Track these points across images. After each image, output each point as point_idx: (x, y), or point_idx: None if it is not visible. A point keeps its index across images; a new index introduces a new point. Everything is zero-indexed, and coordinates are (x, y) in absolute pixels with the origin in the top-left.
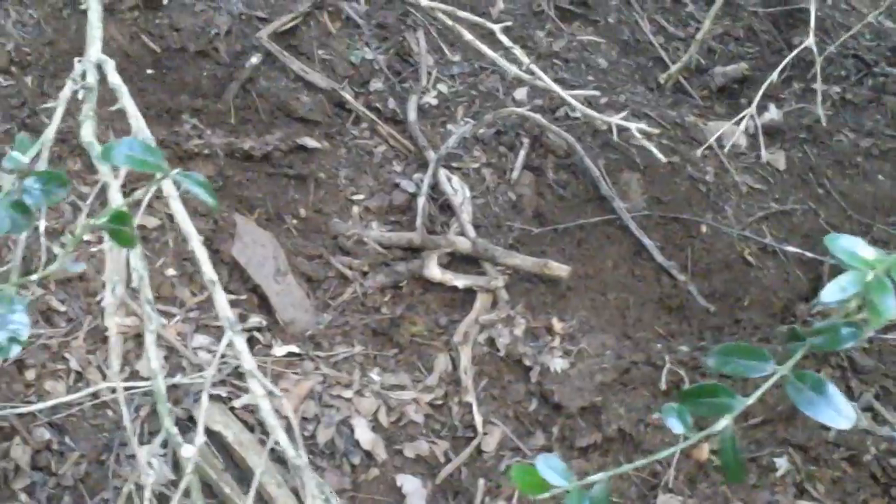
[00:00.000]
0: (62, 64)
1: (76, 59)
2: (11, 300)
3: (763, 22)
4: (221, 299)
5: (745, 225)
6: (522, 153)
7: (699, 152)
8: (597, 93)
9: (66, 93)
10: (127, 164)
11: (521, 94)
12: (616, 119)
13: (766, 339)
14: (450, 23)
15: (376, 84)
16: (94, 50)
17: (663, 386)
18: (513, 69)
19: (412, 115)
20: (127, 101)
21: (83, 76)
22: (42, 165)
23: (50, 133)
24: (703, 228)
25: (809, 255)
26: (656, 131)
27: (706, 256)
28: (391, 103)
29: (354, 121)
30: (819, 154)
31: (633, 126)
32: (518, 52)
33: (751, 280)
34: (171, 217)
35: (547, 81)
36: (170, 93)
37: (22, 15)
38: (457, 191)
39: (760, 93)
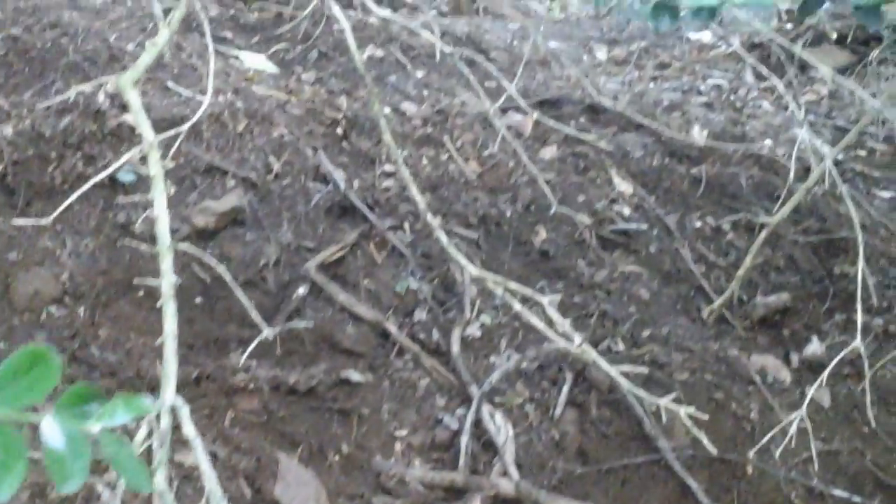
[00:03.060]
0: (115, 293)
1: (153, 400)
2: None
3: (804, 251)
4: None
5: (792, 466)
6: (566, 389)
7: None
8: (644, 370)
9: (138, 438)
10: None
11: (565, 326)
12: (665, 401)
13: None
14: (500, 292)
15: (420, 314)
16: (170, 392)
17: None
18: (563, 343)
19: (455, 347)
20: (200, 456)
21: (157, 418)
22: None
23: None
24: (749, 470)
25: (857, 499)
26: (705, 416)
27: (753, 500)
28: (435, 334)
29: (398, 352)
30: (863, 390)
31: (682, 410)
32: (568, 328)
33: None
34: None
35: (598, 360)
36: (218, 322)
37: (77, 244)
38: (500, 428)
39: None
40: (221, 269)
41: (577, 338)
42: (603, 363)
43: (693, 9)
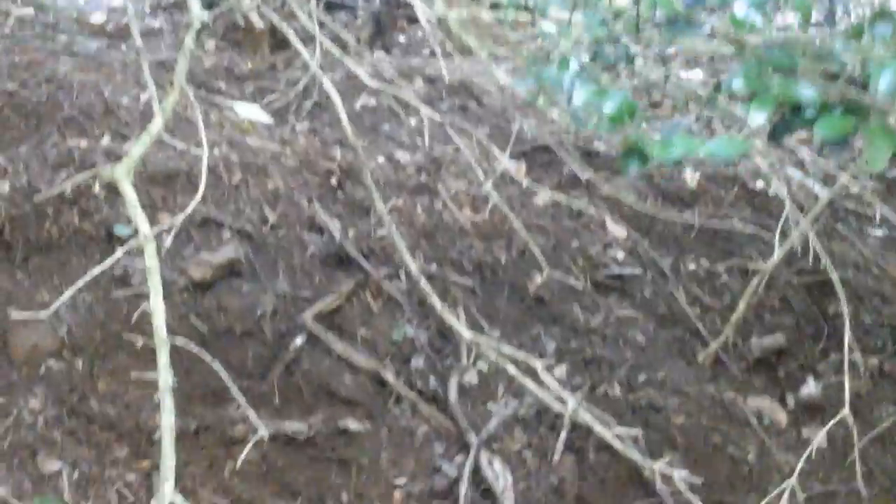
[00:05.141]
0: (113, 346)
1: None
2: None
3: (798, 291)
4: None
5: None
6: (563, 435)
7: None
8: (638, 431)
9: None
10: None
11: (560, 371)
12: (659, 465)
13: None
14: (493, 357)
15: (417, 362)
16: (168, 487)
17: None
18: (558, 408)
19: (453, 394)
20: None
21: None
22: None
23: None
24: None
25: None
26: (699, 480)
27: None
28: (432, 382)
29: (396, 400)
30: (860, 430)
31: (676, 474)
32: (565, 394)
33: None
34: None
35: (593, 423)
36: (216, 374)
37: (75, 298)
38: (498, 475)
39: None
40: None
41: (572, 401)
42: (598, 426)
43: (661, 158)
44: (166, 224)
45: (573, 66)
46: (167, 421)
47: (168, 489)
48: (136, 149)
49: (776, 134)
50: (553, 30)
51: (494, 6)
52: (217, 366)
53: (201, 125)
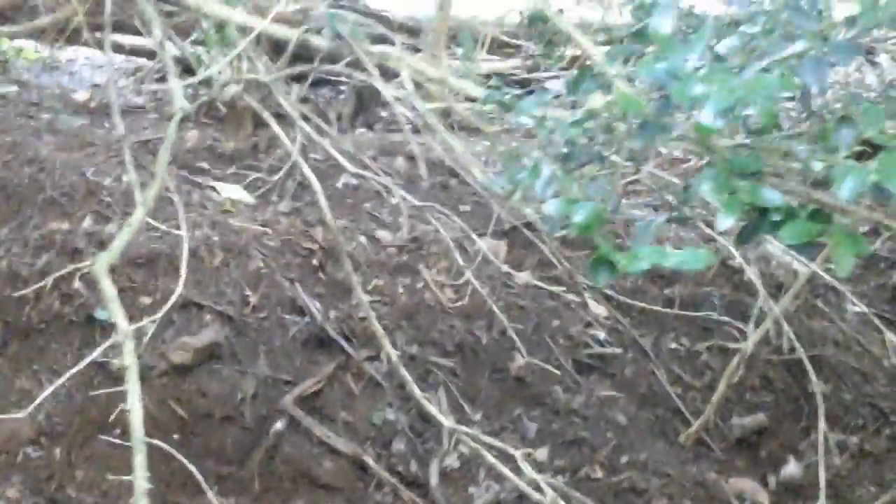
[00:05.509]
0: (91, 433)
1: None
2: None
3: (777, 370)
4: None
5: None
6: None
7: None
8: None
9: None
10: None
11: (543, 454)
12: None
13: None
14: (473, 445)
15: (398, 445)
16: None
17: None
18: (539, 497)
19: (434, 479)
20: None
21: None
22: None
23: None
24: None
25: None
26: None
27: None
28: (413, 466)
29: (377, 485)
30: None
31: None
32: (542, 483)
33: None
34: None
35: None
36: (195, 459)
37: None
38: None
39: None
40: None
41: (551, 494)
42: None
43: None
44: (146, 320)
45: (545, 172)
46: None
47: None
48: (117, 243)
49: (744, 237)
50: (529, 123)
51: (471, 100)
52: (188, 464)
53: (181, 208)
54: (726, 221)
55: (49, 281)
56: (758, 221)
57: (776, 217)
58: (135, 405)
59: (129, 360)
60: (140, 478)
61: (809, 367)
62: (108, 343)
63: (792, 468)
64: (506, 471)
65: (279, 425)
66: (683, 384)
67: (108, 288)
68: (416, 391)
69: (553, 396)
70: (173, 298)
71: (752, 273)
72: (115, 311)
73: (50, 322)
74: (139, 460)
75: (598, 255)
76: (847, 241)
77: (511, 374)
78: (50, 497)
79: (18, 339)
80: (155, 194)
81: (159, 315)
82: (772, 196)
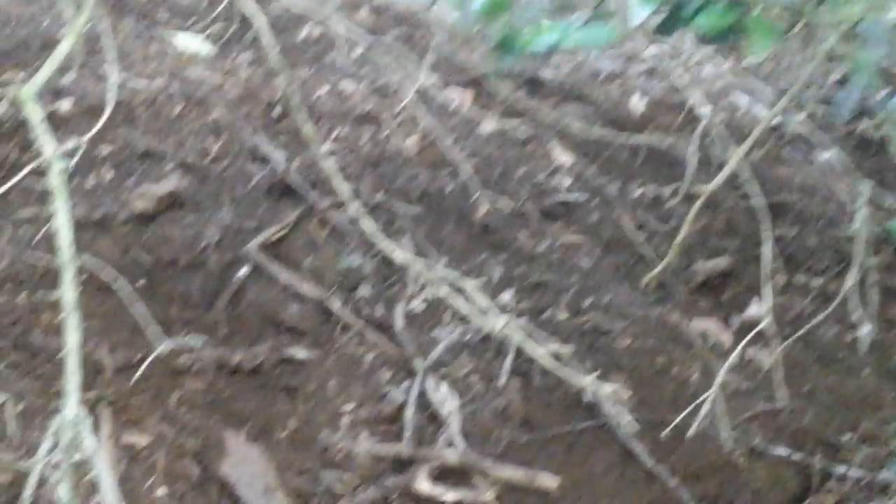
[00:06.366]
0: (55, 278)
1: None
2: None
3: (743, 216)
4: None
5: (733, 426)
6: (509, 359)
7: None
8: (571, 348)
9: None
10: None
11: (507, 296)
12: (588, 380)
13: None
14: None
15: (364, 291)
16: (71, 406)
17: None
18: (489, 325)
19: (400, 322)
20: (103, 473)
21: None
22: None
23: None
24: (692, 431)
25: (797, 457)
26: (627, 394)
27: (696, 461)
28: (379, 310)
29: (343, 329)
30: (803, 350)
31: (607, 387)
32: (495, 310)
33: (742, 483)
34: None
35: (525, 342)
36: (161, 305)
37: (16, 232)
38: (445, 400)
39: None
40: None
41: (501, 321)
42: (530, 344)
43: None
44: (74, 141)
45: None
46: (73, 340)
47: (71, 407)
48: (43, 70)
49: (663, 28)
50: None
51: None
52: (140, 306)
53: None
54: (642, 13)
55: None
56: (675, 13)
57: (693, 7)
58: (63, 225)
59: (55, 181)
60: (69, 294)
61: (765, 211)
62: (35, 163)
63: (755, 309)
64: (459, 302)
65: (244, 271)
66: (648, 231)
67: (35, 112)
68: (379, 236)
69: (518, 243)
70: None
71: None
72: (41, 134)
73: (8, 172)
74: (68, 277)
75: (502, 37)
76: (763, 29)
77: (476, 221)
78: (15, 341)
79: None
80: (83, 23)
81: (86, 138)
82: None
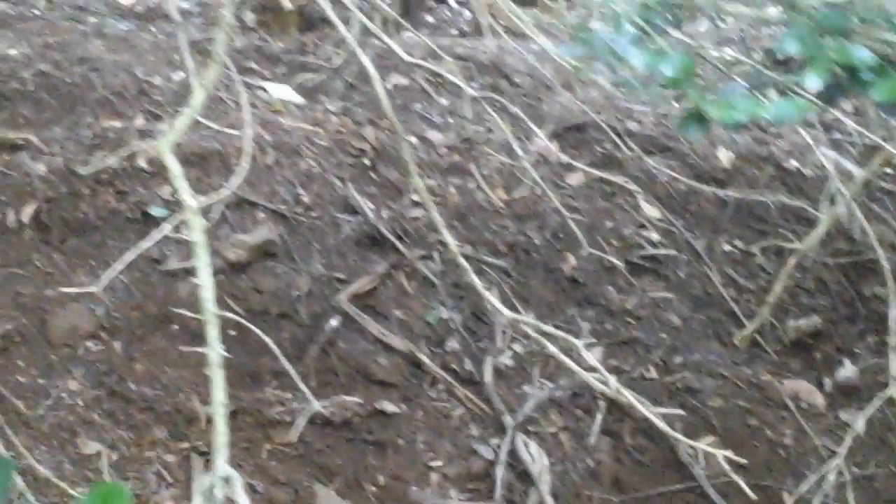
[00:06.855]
0: (150, 327)
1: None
2: None
3: (833, 273)
4: None
5: (827, 492)
6: (599, 417)
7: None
8: (679, 412)
9: None
10: None
11: (596, 353)
12: (703, 445)
13: None
14: (533, 334)
15: (452, 344)
16: (222, 461)
17: None
18: (600, 387)
19: (488, 377)
20: None
21: (210, 491)
22: None
23: None
24: (785, 496)
25: None
26: (742, 461)
27: None
28: (467, 364)
29: (431, 382)
30: None
31: (720, 453)
32: (604, 372)
33: None
34: None
35: (635, 403)
36: (252, 355)
37: (112, 279)
38: (535, 458)
39: None
40: None
41: (612, 381)
42: (640, 406)
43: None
44: (212, 197)
45: (629, 29)
46: (218, 396)
47: (221, 464)
48: (181, 121)
49: (829, 97)
50: None
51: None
52: (266, 339)
53: (245, 102)
54: (815, 81)
55: (109, 162)
56: (846, 81)
57: (866, 76)
58: (205, 279)
59: (196, 235)
60: (214, 350)
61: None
62: (174, 220)
63: (847, 371)
64: (566, 360)
65: (334, 322)
66: (738, 287)
67: (173, 164)
68: (475, 280)
69: (607, 297)
70: (233, 187)
71: (824, 159)
72: (181, 188)
73: (106, 219)
74: (212, 333)
75: (689, 109)
76: None
77: (564, 274)
78: (111, 390)
79: (75, 235)
80: (215, 76)
81: (223, 193)
82: (862, 53)
